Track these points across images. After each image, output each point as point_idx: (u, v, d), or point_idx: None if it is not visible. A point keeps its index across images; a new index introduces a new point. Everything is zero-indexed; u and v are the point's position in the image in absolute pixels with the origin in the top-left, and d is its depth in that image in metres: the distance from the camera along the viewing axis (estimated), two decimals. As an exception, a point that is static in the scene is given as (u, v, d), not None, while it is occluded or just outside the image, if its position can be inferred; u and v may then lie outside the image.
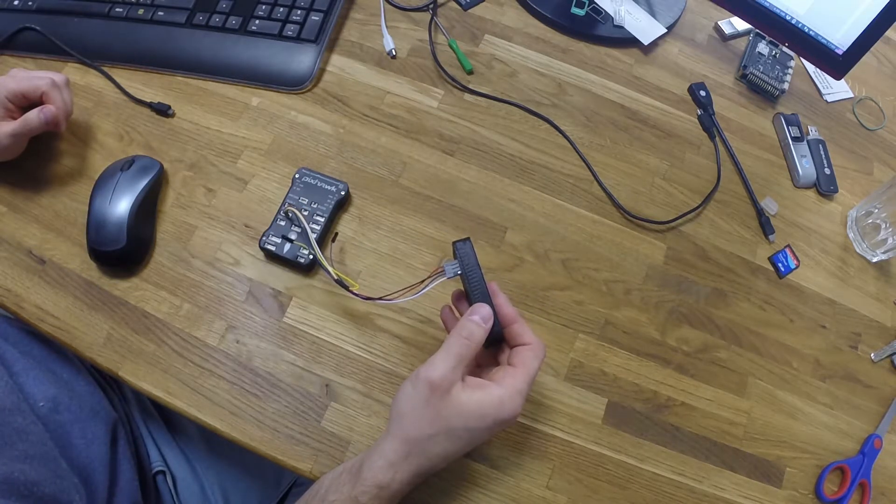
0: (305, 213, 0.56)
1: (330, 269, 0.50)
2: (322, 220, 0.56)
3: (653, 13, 0.75)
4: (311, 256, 0.54)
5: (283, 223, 0.56)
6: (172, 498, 0.60)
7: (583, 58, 0.72)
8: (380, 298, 0.48)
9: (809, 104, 0.75)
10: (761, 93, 0.74)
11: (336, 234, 0.57)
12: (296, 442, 0.50)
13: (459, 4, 0.73)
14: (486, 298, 0.44)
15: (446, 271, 0.45)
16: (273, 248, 0.55)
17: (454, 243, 0.46)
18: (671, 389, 0.56)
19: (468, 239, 0.46)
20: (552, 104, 0.68)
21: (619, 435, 0.54)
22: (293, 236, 0.55)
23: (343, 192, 0.57)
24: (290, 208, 0.56)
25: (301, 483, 0.65)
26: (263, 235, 0.55)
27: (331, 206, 0.57)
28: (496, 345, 0.46)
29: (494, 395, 0.41)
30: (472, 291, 0.45)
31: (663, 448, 0.54)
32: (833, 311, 0.63)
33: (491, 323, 0.43)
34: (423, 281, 0.47)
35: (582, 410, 0.54)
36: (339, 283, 0.50)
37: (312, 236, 0.54)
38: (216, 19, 0.66)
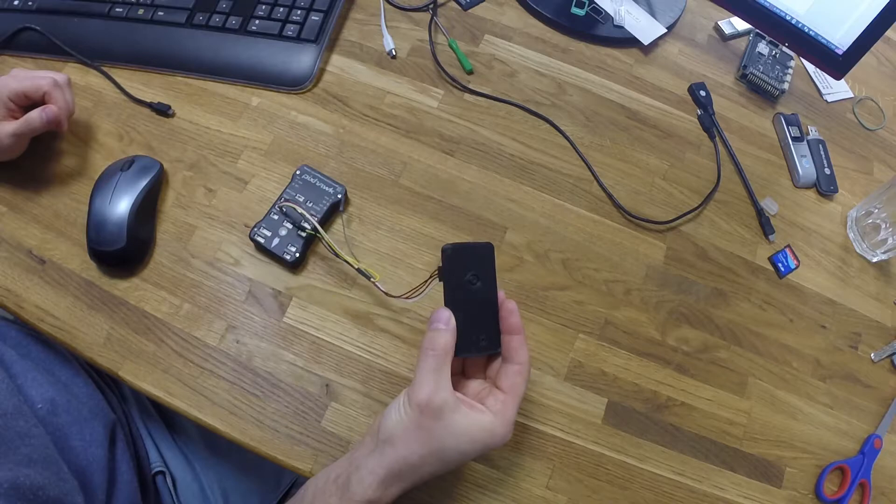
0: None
1: (349, 258, 0.50)
2: (314, 219, 0.56)
3: (653, 13, 0.75)
4: (297, 255, 0.55)
5: (276, 217, 0.56)
6: (172, 498, 0.60)
7: (583, 58, 0.72)
8: (401, 296, 0.48)
9: (809, 104, 0.75)
10: (761, 93, 0.74)
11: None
12: (296, 442, 0.50)
13: (459, 4, 0.73)
14: (459, 305, 0.42)
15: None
16: (262, 241, 0.55)
17: (443, 249, 0.43)
18: (671, 389, 0.56)
19: (454, 245, 0.43)
20: (552, 104, 0.68)
21: (619, 435, 0.54)
22: (283, 232, 0.55)
23: (340, 196, 0.57)
24: (286, 203, 0.56)
25: (301, 483, 0.65)
26: (255, 227, 0.55)
27: (325, 208, 0.57)
28: (482, 353, 0.43)
29: (486, 422, 0.40)
30: (446, 297, 0.42)
31: (663, 448, 0.54)
32: (833, 311, 0.63)
33: (450, 324, 0.41)
34: (425, 281, 0.46)
35: (582, 410, 0.54)
36: (361, 272, 0.50)
37: (322, 230, 0.54)
38: (216, 19, 0.66)
